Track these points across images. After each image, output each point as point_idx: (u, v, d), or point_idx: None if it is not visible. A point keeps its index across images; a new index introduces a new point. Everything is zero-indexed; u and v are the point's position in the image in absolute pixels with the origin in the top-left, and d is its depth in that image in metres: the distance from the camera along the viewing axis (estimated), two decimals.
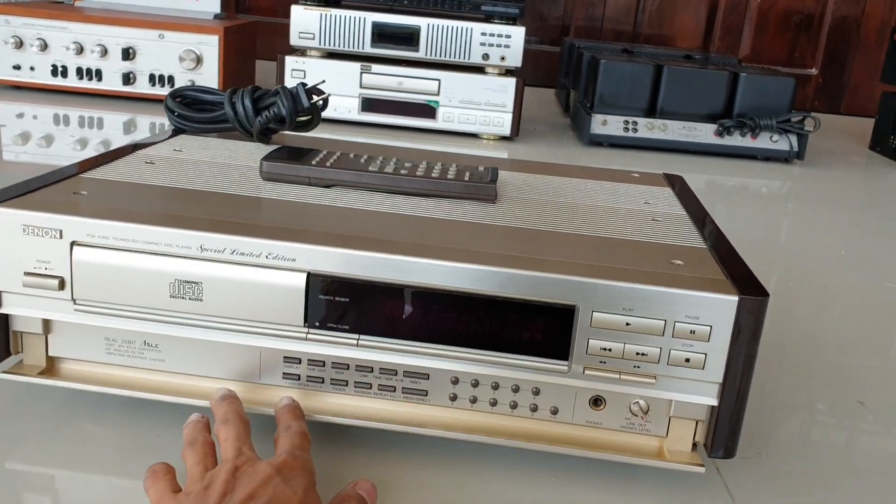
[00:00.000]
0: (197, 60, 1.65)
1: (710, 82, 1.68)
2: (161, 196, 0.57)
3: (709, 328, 0.49)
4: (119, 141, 1.44)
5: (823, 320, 0.90)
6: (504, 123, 1.63)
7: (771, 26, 2.49)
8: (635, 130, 1.67)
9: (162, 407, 0.58)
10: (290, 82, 1.60)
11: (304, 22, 1.60)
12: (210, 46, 1.65)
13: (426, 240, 0.53)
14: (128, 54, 1.65)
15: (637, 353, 0.50)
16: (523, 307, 0.50)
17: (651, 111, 1.69)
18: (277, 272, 0.50)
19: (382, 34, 1.60)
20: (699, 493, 0.55)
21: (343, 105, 1.61)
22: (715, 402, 0.50)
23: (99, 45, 1.65)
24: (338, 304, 0.51)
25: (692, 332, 0.49)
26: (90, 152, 1.34)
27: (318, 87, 0.73)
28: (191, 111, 0.77)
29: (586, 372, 0.51)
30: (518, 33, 1.60)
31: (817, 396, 0.71)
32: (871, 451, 0.63)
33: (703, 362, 0.49)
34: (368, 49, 1.61)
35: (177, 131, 0.78)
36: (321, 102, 0.74)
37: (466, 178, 0.64)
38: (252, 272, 0.51)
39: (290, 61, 1.60)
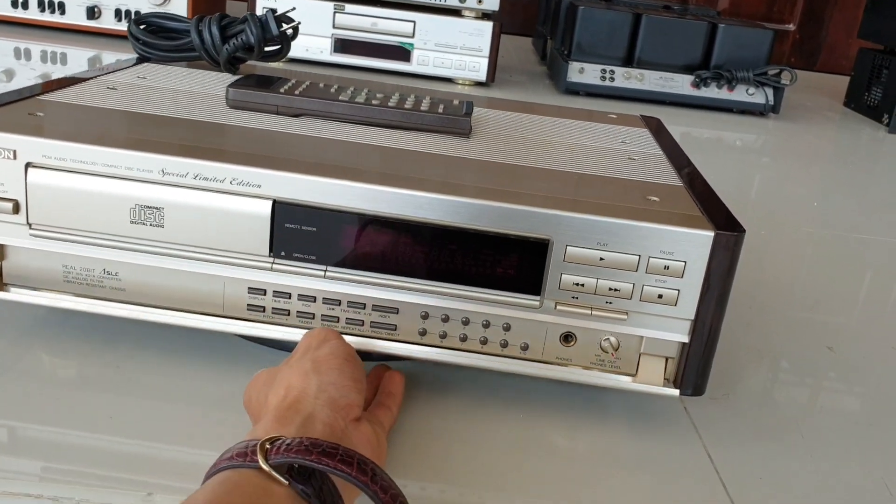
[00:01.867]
0: None
1: (689, 33, 1.66)
2: (122, 120, 0.55)
3: (683, 264, 0.48)
4: None
5: (794, 269, 0.90)
6: (480, 68, 1.61)
7: None
8: (612, 79, 1.65)
9: (121, 339, 0.56)
10: None
11: None
12: None
13: (397, 170, 0.51)
14: None
15: (610, 289, 0.49)
16: (496, 240, 0.49)
17: (629, 60, 1.67)
18: (242, 199, 0.49)
19: None
20: (667, 431, 0.54)
21: (315, 45, 1.57)
22: (686, 339, 0.50)
23: None
24: (305, 233, 0.49)
25: (666, 267, 0.48)
26: None
27: (288, 14, 0.70)
28: (156, 38, 0.74)
29: (558, 307, 0.50)
30: None
31: (787, 342, 0.71)
32: (838, 395, 0.64)
33: (675, 298, 0.49)
34: None
35: (141, 59, 0.75)
36: (291, 31, 0.71)
37: (440, 111, 0.62)
38: (216, 198, 0.49)
39: None
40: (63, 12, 1.61)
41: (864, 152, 1.61)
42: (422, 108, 0.62)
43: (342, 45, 1.58)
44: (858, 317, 0.79)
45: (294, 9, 0.71)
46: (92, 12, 1.61)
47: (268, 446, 0.37)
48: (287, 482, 0.36)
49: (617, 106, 1.64)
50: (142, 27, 0.75)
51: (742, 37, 1.66)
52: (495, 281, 0.50)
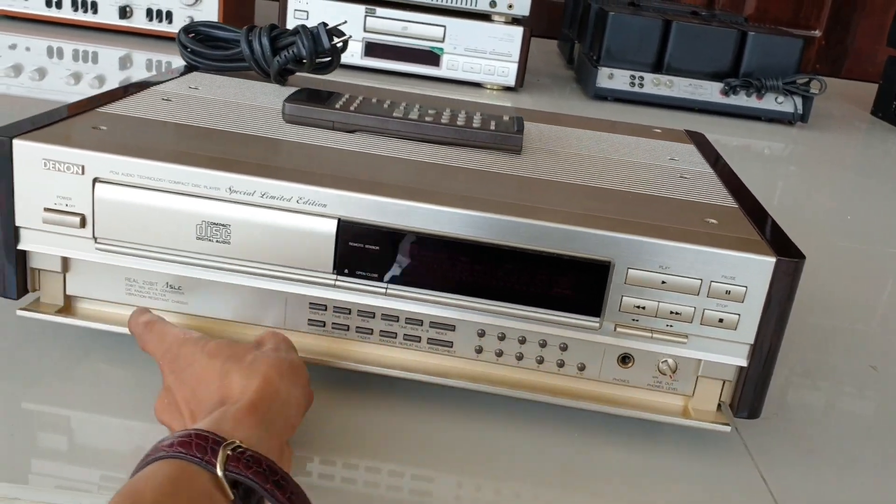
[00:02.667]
0: None
1: (718, 40, 1.66)
2: (183, 134, 0.56)
3: (744, 289, 0.48)
4: (114, 76, 1.40)
5: (831, 284, 0.90)
6: (509, 73, 1.61)
7: None
8: (641, 86, 1.65)
9: None
10: (291, 23, 1.56)
11: None
12: None
13: (458, 189, 0.52)
14: None
15: (671, 312, 0.49)
16: (556, 261, 0.49)
17: (658, 67, 1.67)
18: (308, 217, 0.49)
19: None
20: (719, 452, 0.55)
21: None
22: (745, 363, 0.50)
23: None
24: (368, 251, 0.50)
25: (727, 292, 0.48)
26: (84, 87, 1.31)
27: (339, 27, 0.71)
28: (205, 48, 0.75)
29: (617, 329, 0.50)
30: None
31: (829, 360, 0.72)
32: (885, 415, 0.64)
33: (735, 323, 0.49)
34: None
35: (189, 68, 0.76)
36: (341, 44, 0.72)
37: (492, 128, 0.62)
38: (282, 216, 0.49)
39: (293, 1, 1.56)
40: (95, 12, 1.62)
41: (893, 162, 1.60)
42: (474, 125, 0.63)
43: (372, 49, 1.59)
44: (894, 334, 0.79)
45: (345, 22, 0.72)
46: (124, 12, 1.62)
47: (229, 452, 0.36)
48: (232, 498, 0.36)
49: (646, 112, 1.64)
50: (191, 36, 0.75)
51: (771, 45, 1.66)
52: (554, 301, 0.50)
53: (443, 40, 1.58)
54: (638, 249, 0.49)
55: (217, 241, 0.50)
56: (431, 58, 1.60)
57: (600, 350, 0.52)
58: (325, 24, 0.71)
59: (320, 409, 0.51)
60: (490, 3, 1.58)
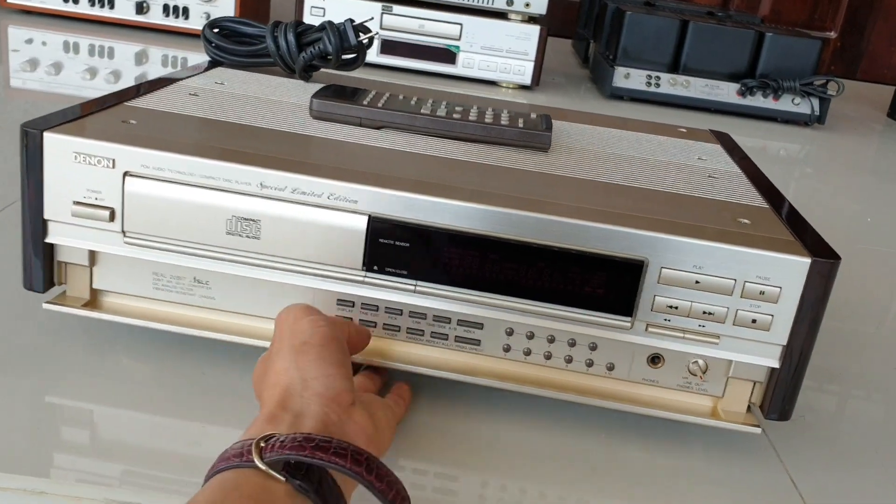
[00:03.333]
0: None
1: (735, 41, 1.65)
2: (212, 129, 0.56)
3: (778, 289, 0.48)
4: (130, 72, 1.40)
5: (854, 287, 0.90)
6: (525, 72, 1.60)
7: None
8: (658, 85, 1.64)
9: (205, 345, 0.57)
10: (308, 19, 1.56)
11: None
12: None
13: (487, 187, 0.52)
14: None
15: (703, 312, 0.49)
16: (588, 260, 0.49)
17: (674, 67, 1.66)
18: (338, 213, 0.49)
19: None
20: (748, 455, 0.54)
21: None
22: (777, 365, 0.50)
23: None
24: (398, 248, 0.49)
25: (762, 292, 0.48)
26: (100, 82, 1.31)
27: (366, 24, 0.71)
28: (230, 43, 0.74)
29: (649, 329, 0.50)
30: None
31: (854, 362, 0.71)
32: None
33: (769, 324, 0.49)
34: None
35: (213, 63, 0.76)
36: (367, 41, 0.71)
37: (521, 125, 0.62)
38: (312, 212, 0.49)
39: None
40: (112, 7, 1.62)
41: None
42: (502, 123, 0.62)
43: (389, 47, 1.58)
44: None
45: (372, 18, 0.72)
46: (140, 7, 1.62)
47: (262, 444, 0.37)
48: (284, 479, 0.36)
49: (662, 112, 1.64)
50: (216, 31, 0.75)
51: (789, 46, 1.65)
52: (585, 300, 0.50)
53: (459, 38, 1.58)
54: (672, 249, 0.48)
55: (247, 237, 0.50)
56: (447, 55, 1.59)
57: (630, 350, 0.51)
58: (351, 21, 0.70)
59: None
60: (507, 2, 1.57)
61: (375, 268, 0.50)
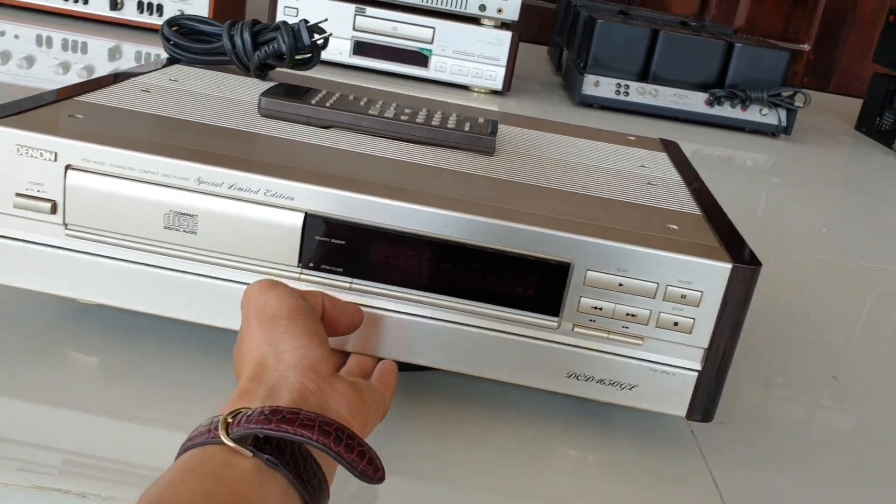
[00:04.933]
0: None
1: (705, 51, 1.67)
2: (158, 125, 0.57)
3: (700, 293, 0.50)
4: (103, 68, 1.41)
5: (801, 294, 0.92)
6: (496, 77, 1.62)
7: None
8: (626, 94, 1.66)
9: (144, 336, 0.57)
10: (281, 18, 1.57)
11: None
12: None
13: (426, 187, 0.53)
14: None
15: (627, 314, 0.50)
16: (518, 261, 0.50)
17: (644, 76, 1.68)
18: (274, 210, 0.50)
19: None
20: (673, 453, 0.56)
21: (334, 47, 1.58)
22: (699, 367, 0.51)
23: None
24: (333, 246, 0.51)
25: (683, 296, 0.50)
26: (73, 77, 1.31)
27: (320, 25, 0.72)
28: (187, 41, 0.75)
29: (575, 329, 0.51)
30: None
31: (791, 369, 0.73)
32: (841, 425, 0.65)
33: (691, 327, 0.50)
34: None
35: (171, 60, 0.76)
36: (322, 41, 0.72)
37: (466, 129, 0.63)
38: (249, 208, 0.50)
39: None
40: (86, 2, 1.63)
41: (874, 178, 1.62)
42: (448, 126, 0.64)
43: (361, 48, 1.59)
44: (863, 346, 0.80)
45: (326, 20, 0.73)
46: (115, 3, 1.62)
47: (229, 420, 0.36)
48: (252, 453, 0.35)
49: (631, 120, 1.66)
50: (174, 29, 0.76)
51: (758, 57, 1.68)
52: (515, 300, 0.51)
53: (431, 42, 1.59)
54: (597, 252, 0.50)
55: (184, 231, 0.51)
56: (420, 59, 1.61)
57: (559, 355, 0.53)
58: (305, 21, 0.71)
59: None
60: (479, 7, 1.59)
61: (311, 265, 0.51)
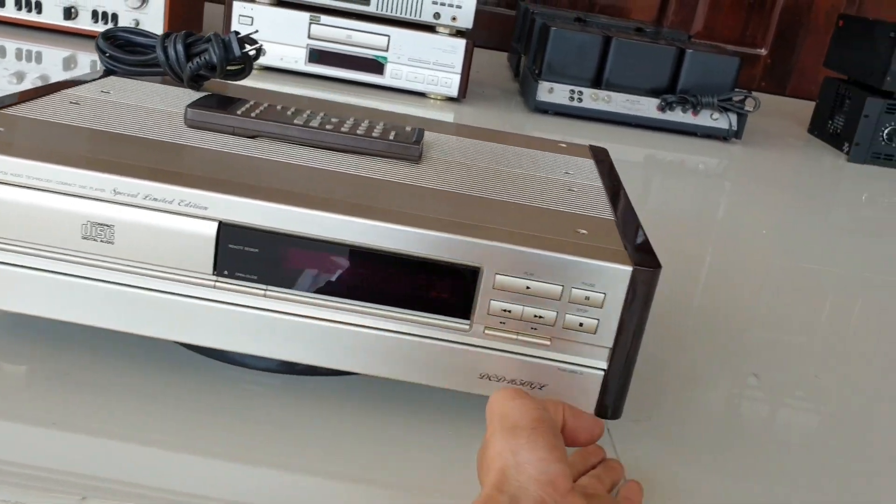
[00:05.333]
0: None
1: (657, 57, 1.70)
2: (81, 138, 0.57)
3: (603, 295, 0.51)
4: (59, 77, 1.41)
5: (735, 296, 0.94)
6: (452, 84, 1.64)
7: (725, 3, 2.53)
8: (580, 100, 1.69)
9: (75, 345, 0.58)
10: (236, 28, 1.57)
11: None
12: None
13: (341, 195, 0.54)
14: None
15: (535, 316, 0.52)
16: (429, 266, 0.52)
17: (597, 82, 1.71)
18: (189, 220, 0.51)
19: None
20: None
21: (290, 55, 1.59)
22: (604, 366, 0.53)
23: None
24: (247, 254, 0.52)
25: (587, 298, 0.51)
26: (27, 86, 1.31)
27: (251, 36, 0.73)
28: (123, 53, 0.76)
29: (486, 332, 0.53)
30: None
31: (715, 368, 0.75)
32: (759, 419, 0.67)
33: (595, 327, 0.52)
34: None
35: (107, 72, 0.77)
36: (253, 52, 0.74)
37: (391, 138, 0.65)
38: (164, 218, 0.51)
39: (238, 6, 1.58)
40: (40, 11, 1.63)
41: (823, 180, 1.65)
42: (373, 135, 0.65)
43: (317, 56, 1.61)
44: (789, 343, 0.83)
45: (257, 31, 0.74)
46: (69, 13, 1.62)
47: None
48: None
49: (584, 126, 1.68)
50: (109, 41, 0.77)
51: (709, 63, 1.71)
52: (429, 304, 0.53)
53: (387, 49, 1.61)
54: (505, 256, 0.51)
55: (101, 241, 0.52)
56: (375, 66, 1.62)
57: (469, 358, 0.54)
58: (237, 33, 0.73)
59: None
60: (434, 15, 1.61)
61: (226, 272, 0.52)
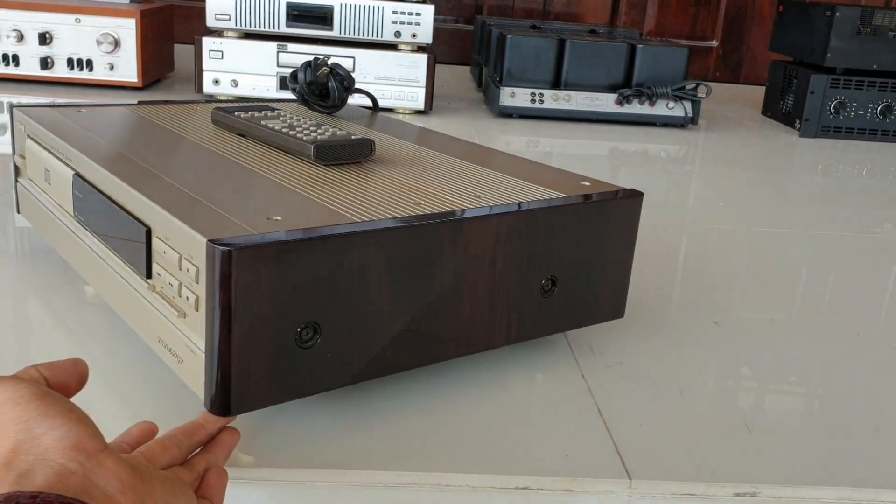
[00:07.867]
0: (115, 44, 1.69)
1: (610, 55, 1.79)
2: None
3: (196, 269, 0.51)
4: None
5: (691, 257, 1.01)
6: (418, 98, 1.71)
7: (672, 2, 2.63)
8: (542, 102, 1.77)
9: None
10: (207, 63, 1.64)
11: (219, 4, 1.65)
12: (127, 30, 1.68)
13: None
14: (45, 39, 1.68)
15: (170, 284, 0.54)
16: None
17: (556, 83, 1.79)
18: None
19: (297, 14, 1.67)
20: (565, 391, 0.64)
21: (262, 84, 1.67)
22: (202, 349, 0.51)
23: (15, 30, 1.67)
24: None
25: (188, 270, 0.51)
26: (6, 138, 1.37)
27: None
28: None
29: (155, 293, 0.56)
30: (427, 11, 1.68)
31: (679, 319, 0.82)
32: (720, 361, 0.74)
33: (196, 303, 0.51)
34: (284, 29, 1.67)
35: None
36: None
37: (297, 136, 0.69)
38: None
39: (208, 42, 1.65)
40: (18, 64, 1.69)
41: (776, 155, 1.74)
42: (292, 133, 0.72)
43: (287, 83, 1.68)
44: (746, 296, 0.90)
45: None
46: (45, 63, 1.69)
47: None
48: None
49: (548, 126, 1.76)
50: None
51: (660, 56, 1.80)
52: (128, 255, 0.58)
53: (353, 70, 1.68)
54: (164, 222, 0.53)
55: None
56: None
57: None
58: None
59: None
60: (395, 34, 1.69)
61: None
